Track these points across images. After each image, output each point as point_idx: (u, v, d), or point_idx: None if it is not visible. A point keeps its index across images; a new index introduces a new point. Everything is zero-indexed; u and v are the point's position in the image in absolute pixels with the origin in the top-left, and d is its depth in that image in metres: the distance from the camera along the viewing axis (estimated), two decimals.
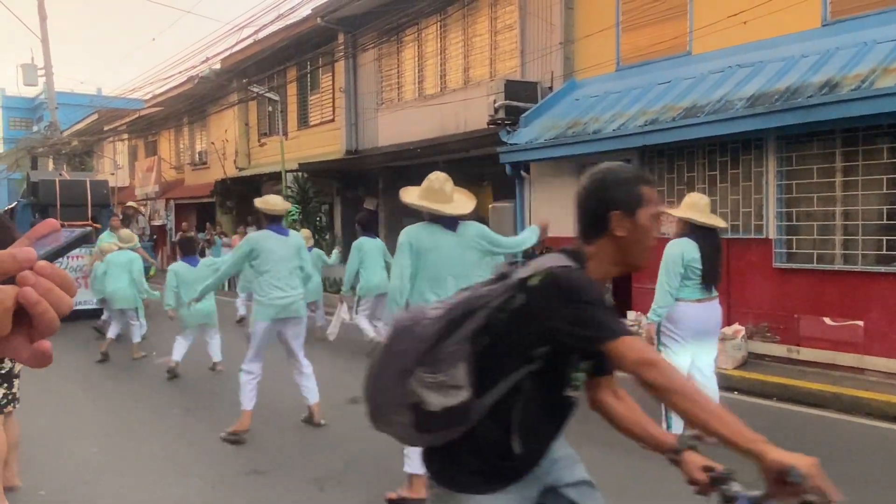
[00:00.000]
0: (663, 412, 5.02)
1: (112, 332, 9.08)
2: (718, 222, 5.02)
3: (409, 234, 4.13)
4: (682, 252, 4.81)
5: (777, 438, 5.20)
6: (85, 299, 12.15)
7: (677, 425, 4.97)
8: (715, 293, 4.98)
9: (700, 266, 4.80)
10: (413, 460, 4.11)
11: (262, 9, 41.43)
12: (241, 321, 11.45)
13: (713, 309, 4.99)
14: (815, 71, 7.13)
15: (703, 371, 5.04)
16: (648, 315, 5.17)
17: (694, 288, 4.87)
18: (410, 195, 4.21)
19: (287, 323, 5.55)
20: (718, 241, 5.00)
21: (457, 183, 4.33)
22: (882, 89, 6.18)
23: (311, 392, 5.72)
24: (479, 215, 4.26)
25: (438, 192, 4.14)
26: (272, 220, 5.63)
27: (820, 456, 4.90)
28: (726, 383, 6.87)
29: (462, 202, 4.19)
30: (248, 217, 17.79)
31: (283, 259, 5.50)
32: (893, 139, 6.55)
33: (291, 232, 5.87)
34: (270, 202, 5.65)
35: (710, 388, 5.04)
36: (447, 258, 4.06)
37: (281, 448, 5.21)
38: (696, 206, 4.93)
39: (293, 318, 5.56)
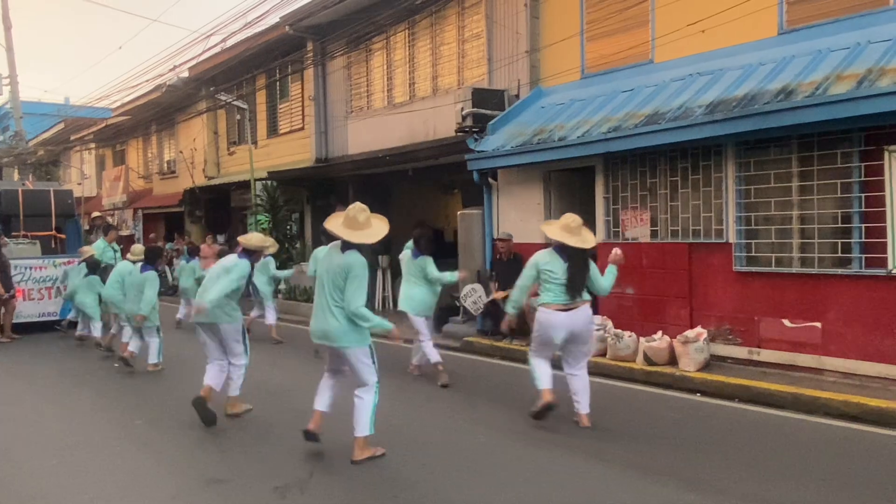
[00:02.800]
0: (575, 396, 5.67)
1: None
2: (586, 243, 5.66)
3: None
4: (537, 261, 5.69)
5: (737, 439, 5.37)
6: (49, 310, 11.99)
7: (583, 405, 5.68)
8: (582, 299, 5.65)
9: (555, 273, 5.58)
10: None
11: (229, 17, 41.32)
12: (179, 324, 11.95)
13: (577, 315, 5.62)
14: (771, 78, 7.30)
15: (574, 372, 5.77)
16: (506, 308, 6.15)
17: (555, 294, 5.60)
18: (334, 223, 4.99)
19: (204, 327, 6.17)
20: (586, 258, 5.69)
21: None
22: (835, 96, 6.33)
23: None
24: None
25: (353, 219, 4.92)
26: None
27: (778, 455, 5.07)
28: (689, 385, 7.00)
29: (376, 229, 5.01)
30: (217, 226, 17.64)
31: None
32: (847, 145, 6.71)
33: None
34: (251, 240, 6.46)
35: (581, 385, 5.74)
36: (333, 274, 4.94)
37: (243, 456, 5.18)
38: (568, 227, 5.64)
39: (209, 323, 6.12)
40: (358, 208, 4.94)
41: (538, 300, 5.74)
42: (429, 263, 7.63)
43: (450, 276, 7.82)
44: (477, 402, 6.63)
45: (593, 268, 5.77)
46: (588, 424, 5.65)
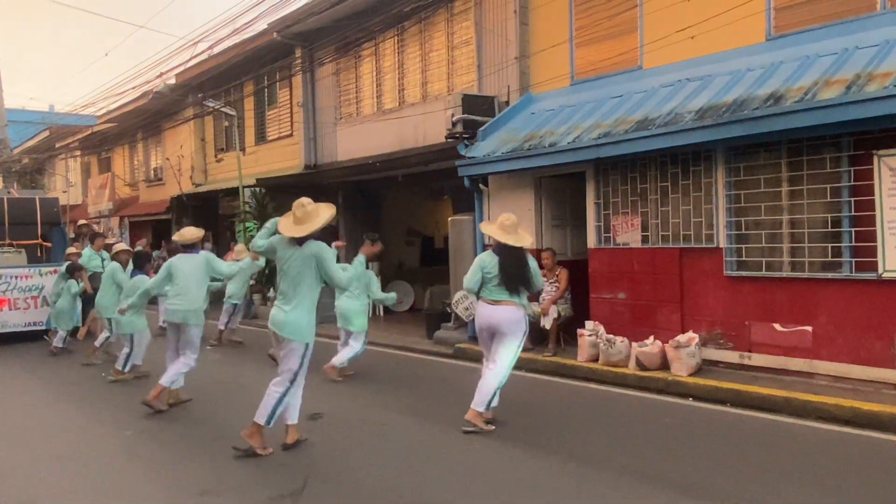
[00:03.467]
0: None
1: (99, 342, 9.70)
2: (520, 241, 6.00)
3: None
4: (479, 262, 6.05)
5: (730, 443, 5.35)
6: (35, 319, 11.85)
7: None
8: (512, 298, 5.91)
9: (494, 273, 5.90)
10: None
11: (217, 23, 41.16)
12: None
13: (502, 311, 5.92)
14: (760, 84, 7.34)
15: (497, 362, 5.94)
16: None
17: (489, 290, 5.96)
18: (285, 224, 5.38)
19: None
20: (521, 255, 5.99)
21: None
22: (824, 101, 6.37)
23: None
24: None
25: (293, 215, 5.33)
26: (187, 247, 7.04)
27: (772, 459, 5.04)
28: (681, 390, 7.00)
29: (320, 216, 5.31)
30: (207, 233, 17.50)
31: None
32: (836, 149, 6.75)
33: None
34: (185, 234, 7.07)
35: (496, 375, 5.89)
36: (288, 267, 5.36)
37: (235, 466, 5.12)
38: (502, 226, 5.99)
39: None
40: (297, 204, 5.31)
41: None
42: (374, 282, 8.33)
43: (390, 298, 8.50)
44: (467, 408, 6.59)
45: (532, 264, 6.07)
46: (473, 419, 5.80)
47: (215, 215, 19.53)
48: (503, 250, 5.94)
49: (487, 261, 5.99)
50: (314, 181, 14.85)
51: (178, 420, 6.49)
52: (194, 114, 19.20)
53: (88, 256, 11.57)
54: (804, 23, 7.57)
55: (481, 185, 10.35)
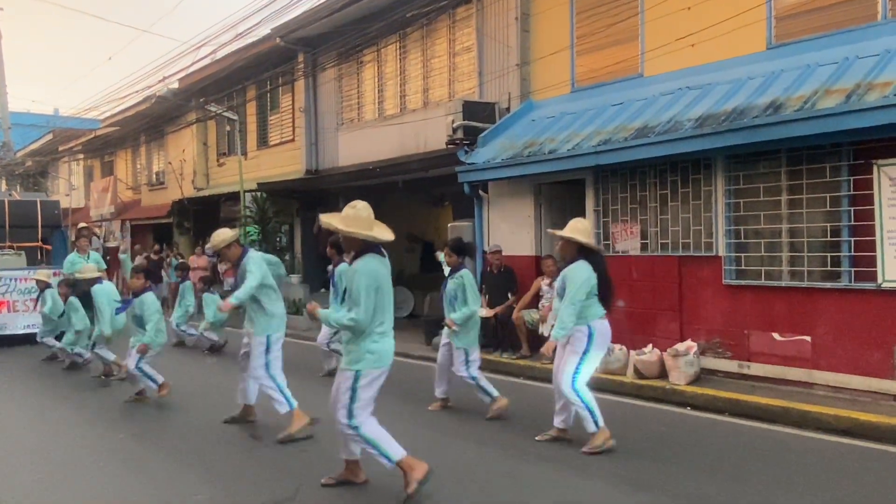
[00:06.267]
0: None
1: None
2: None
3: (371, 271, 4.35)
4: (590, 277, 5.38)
5: (728, 453, 5.30)
6: (33, 322, 11.83)
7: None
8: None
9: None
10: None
11: (220, 28, 41.34)
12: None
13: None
14: (760, 92, 7.33)
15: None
16: None
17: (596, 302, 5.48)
18: (334, 220, 4.42)
19: None
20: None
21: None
22: (823, 110, 6.36)
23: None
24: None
25: (367, 219, 4.40)
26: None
27: (769, 470, 4.98)
28: (679, 399, 6.96)
29: (384, 228, 4.50)
30: (205, 237, 17.50)
31: None
32: (836, 158, 6.73)
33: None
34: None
35: None
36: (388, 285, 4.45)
37: (229, 471, 5.10)
38: (585, 232, 5.51)
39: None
40: (364, 205, 4.48)
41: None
42: None
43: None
44: (465, 415, 6.58)
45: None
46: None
47: (216, 220, 19.53)
48: (599, 258, 5.46)
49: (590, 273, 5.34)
50: (315, 186, 14.88)
51: (171, 424, 6.48)
52: (196, 118, 19.25)
53: (72, 262, 10.29)
54: (805, 32, 7.56)
55: (481, 192, 10.36)
